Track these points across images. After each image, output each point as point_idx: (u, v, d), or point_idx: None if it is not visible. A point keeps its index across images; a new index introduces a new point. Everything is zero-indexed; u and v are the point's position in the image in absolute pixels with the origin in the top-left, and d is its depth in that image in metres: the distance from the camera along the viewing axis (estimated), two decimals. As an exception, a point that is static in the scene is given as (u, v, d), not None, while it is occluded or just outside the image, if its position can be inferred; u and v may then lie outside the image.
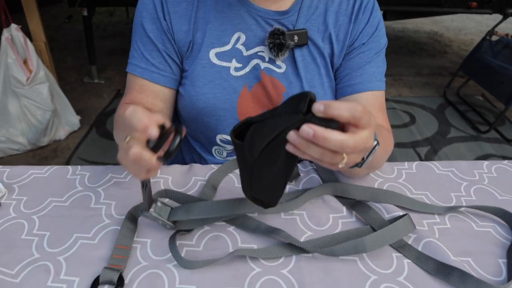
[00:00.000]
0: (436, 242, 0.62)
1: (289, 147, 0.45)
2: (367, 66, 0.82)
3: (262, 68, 0.81)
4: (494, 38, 2.77)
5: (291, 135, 0.44)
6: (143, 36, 0.79)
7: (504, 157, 2.30)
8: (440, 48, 4.25)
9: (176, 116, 0.92)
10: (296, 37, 0.79)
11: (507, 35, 2.73)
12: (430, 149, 2.38)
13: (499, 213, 0.70)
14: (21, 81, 2.06)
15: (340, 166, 0.47)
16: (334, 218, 0.68)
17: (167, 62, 0.80)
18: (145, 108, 0.69)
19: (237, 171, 0.79)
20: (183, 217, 0.63)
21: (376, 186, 0.77)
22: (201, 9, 0.78)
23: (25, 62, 2.11)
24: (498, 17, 2.91)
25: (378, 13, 0.84)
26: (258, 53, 0.81)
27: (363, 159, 0.56)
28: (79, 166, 0.80)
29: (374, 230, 0.65)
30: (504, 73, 2.46)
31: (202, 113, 0.82)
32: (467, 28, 4.92)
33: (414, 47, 4.22)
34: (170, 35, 0.78)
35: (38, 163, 2.17)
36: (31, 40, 2.22)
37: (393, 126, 2.57)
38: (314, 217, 0.68)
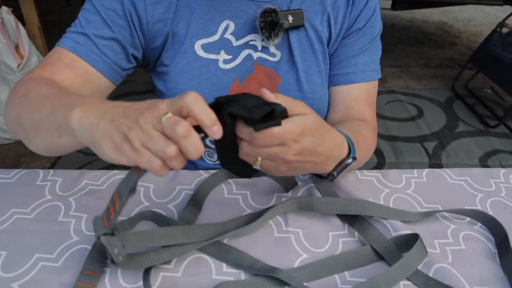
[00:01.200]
0: (449, 268, 0.54)
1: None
2: (361, 55, 0.77)
3: (255, 58, 0.73)
4: (504, 30, 2.66)
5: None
6: (96, 10, 0.66)
7: (512, 152, 2.22)
8: (449, 39, 4.12)
9: None
10: (290, 17, 0.70)
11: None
12: (438, 144, 2.30)
13: (479, 216, 0.64)
14: (12, 67, 1.98)
15: (256, 166, 0.50)
16: (334, 237, 0.60)
17: (114, 50, 0.68)
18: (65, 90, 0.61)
19: (226, 182, 0.71)
20: (140, 244, 0.51)
21: (382, 197, 0.69)
22: None
23: (16, 47, 2.02)
24: (508, 8, 2.80)
25: None
26: (250, 42, 0.73)
27: (332, 175, 0.60)
28: (51, 171, 0.72)
29: (375, 251, 0.57)
30: (514, 67, 2.36)
31: None
32: (476, 19, 4.77)
33: (423, 38, 4.09)
34: (137, 20, 0.67)
35: (30, 153, 2.10)
36: (23, 24, 2.13)
37: (400, 119, 2.53)
38: (312, 236, 0.60)
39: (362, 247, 0.58)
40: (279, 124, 0.45)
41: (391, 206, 0.67)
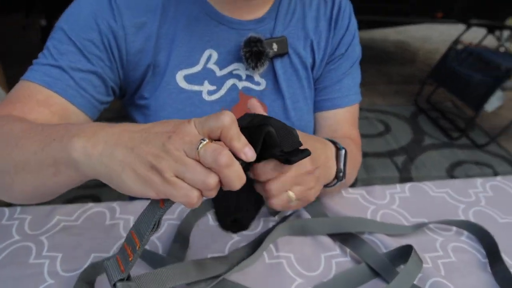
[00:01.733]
0: (443, 282, 0.53)
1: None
2: (345, 80, 0.77)
3: (240, 88, 0.71)
4: (459, 47, 2.80)
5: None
6: (69, 39, 0.60)
7: (477, 163, 2.31)
8: (409, 56, 4.29)
9: None
10: (275, 45, 0.69)
11: (470, 44, 2.77)
12: (407, 157, 2.36)
13: (468, 227, 0.65)
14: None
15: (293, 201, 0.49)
16: (327, 259, 0.58)
17: (92, 83, 0.62)
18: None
19: (210, 211, 0.68)
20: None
21: (369, 213, 0.68)
22: (164, 26, 0.65)
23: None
24: (460, 27, 2.95)
25: (354, 19, 0.78)
26: (233, 72, 0.70)
27: (340, 170, 0.60)
28: (18, 208, 0.67)
29: (371, 268, 0.56)
30: (470, 81, 2.48)
31: None
32: (432, 37, 5.00)
33: (385, 56, 4.24)
34: (117, 51, 0.63)
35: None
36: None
37: (368, 136, 2.58)
38: (304, 259, 0.58)
39: (358, 265, 0.56)
40: (309, 154, 0.43)
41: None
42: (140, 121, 0.72)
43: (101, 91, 0.65)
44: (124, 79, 0.68)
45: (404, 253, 0.57)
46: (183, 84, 0.67)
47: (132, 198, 0.78)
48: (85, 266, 0.55)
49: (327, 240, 0.62)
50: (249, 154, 0.38)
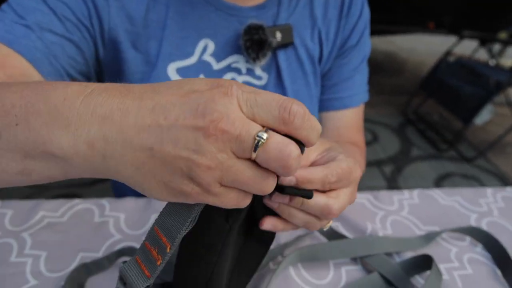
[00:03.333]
0: (463, 295, 0.50)
1: (267, 223, 0.39)
2: (356, 76, 0.70)
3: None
4: (451, 58, 2.81)
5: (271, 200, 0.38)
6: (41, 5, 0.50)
7: (465, 176, 2.31)
8: (398, 67, 4.32)
9: None
10: (278, 34, 0.61)
11: (462, 56, 2.78)
12: (394, 168, 2.34)
13: (480, 235, 0.61)
14: None
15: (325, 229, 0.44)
16: (336, 266, 0.54)
17: (66, 51, 0.52)
18: None
19: None
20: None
21: (378, 220, 0.64)
22: (152, 10, 0.57)
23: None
24: (448, 39, 2.97)
25: (368, 6, 0.70)
26: (232, 65, 0.63)
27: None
28: (-1, 202, 0.61)
29: (386, 279, 0.52)
30: (461, 93, 2.49)
31: None
32: (419, 48, 5.06)
33: (373, 66, 4.25)
34: (98, 22, 0.54)
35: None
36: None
37: (359, 145, 2.56)
38: (312, 266, 0.54)
39: (371, 275, 0.52)
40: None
41: (389, 229, 0.62)
42: None
43: (75, 66, 0.55)
44: (104, 59, 0.59)
45: (420, 263, 0.53)
46: (175, 78, 0.59)
47: (122, 195, 0.73)
48: (72, 266, 0.49)
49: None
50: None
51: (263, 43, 0.60)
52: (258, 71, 0.65)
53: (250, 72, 0.64)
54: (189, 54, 0.60)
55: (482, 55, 3.45)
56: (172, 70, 0.59)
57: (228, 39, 0.62)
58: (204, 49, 0.61)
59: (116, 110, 0.26)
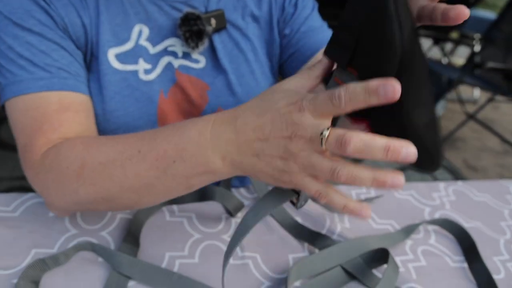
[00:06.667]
0: (417, 287, 0.52)
1: None
2: (311, 20, 0.72)
3: (176, 66, 0.64)
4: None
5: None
6: (22, 26, 0.52)
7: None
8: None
9: None
10: (213, 21, 0.64)
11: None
12: (350, 160, 2.40)
13: (447, 226, 0.65)
14: None
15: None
16: (295, 260, 0.55)
17: (74, 60, 0.57)
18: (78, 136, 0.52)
19: (167, 206, 0.62)
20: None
21: (335, 214, 0.65)
22: (85, 5, 0.57)
23: None
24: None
25: None
26: (168, 49, 0.63)
27: None
28: None
29: (346, 271, 0.53)
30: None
31: None
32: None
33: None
34: (63, 28, 0.55)
35: None
36: None
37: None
38: (271, 260, 0.54)
39: (334, 268, 0.53)
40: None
41: (347, 223, 0.63)
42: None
43: (82, 70, 0.59)
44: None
45: (378, 255, 0.55)
46: (116, 64, 0.60)
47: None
48: (25, 263, 0.47)
49: (294, 241, 0.58)
50: (395, 86, 0.32)
51: (202, 33, 0.62)
52: (195, 55, 0.66)
53: (186, 56, 0.65)
54: (126, 39, 0.61)
55: (435, 53, 3.59)
56: (112, 56, 0.60)
57: (162, 24, 0.63)
58: (139, 34, 0.61)
59: (232, 133, 0.40)
